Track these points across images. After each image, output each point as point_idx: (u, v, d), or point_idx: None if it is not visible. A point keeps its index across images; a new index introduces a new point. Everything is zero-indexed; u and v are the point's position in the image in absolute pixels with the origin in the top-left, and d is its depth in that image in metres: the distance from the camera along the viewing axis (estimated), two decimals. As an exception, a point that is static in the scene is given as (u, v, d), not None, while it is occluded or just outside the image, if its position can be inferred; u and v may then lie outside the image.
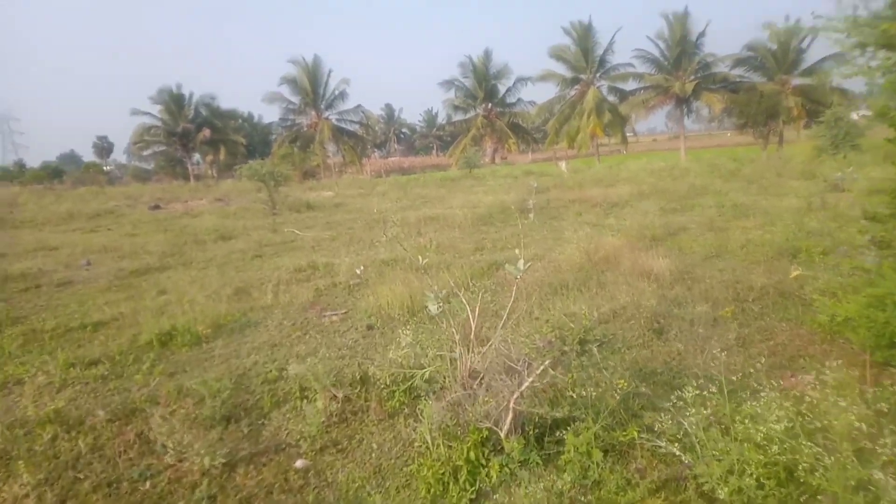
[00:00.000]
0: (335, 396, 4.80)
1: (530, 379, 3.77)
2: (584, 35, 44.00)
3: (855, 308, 4.32)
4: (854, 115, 25.70)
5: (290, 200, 23.73)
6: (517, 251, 4.74)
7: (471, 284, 8.34)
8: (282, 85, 49.44)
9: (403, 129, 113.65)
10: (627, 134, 48.16)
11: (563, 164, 41.64)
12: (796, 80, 42.29)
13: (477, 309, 4.63)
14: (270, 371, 5.59)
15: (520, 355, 3.96)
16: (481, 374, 4.56)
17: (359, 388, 4.88)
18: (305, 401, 4.81)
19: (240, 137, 58.42)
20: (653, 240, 10.50)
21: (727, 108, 43.28)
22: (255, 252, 12.90)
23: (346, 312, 7.64)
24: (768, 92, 40.13)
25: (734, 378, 4.46)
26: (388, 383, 4.67)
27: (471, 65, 51.14)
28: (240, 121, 67.73)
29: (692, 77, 43.48)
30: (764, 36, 42.60)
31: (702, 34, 42.63)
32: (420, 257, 4.86)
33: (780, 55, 41.85)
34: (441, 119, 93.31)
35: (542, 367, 3.78)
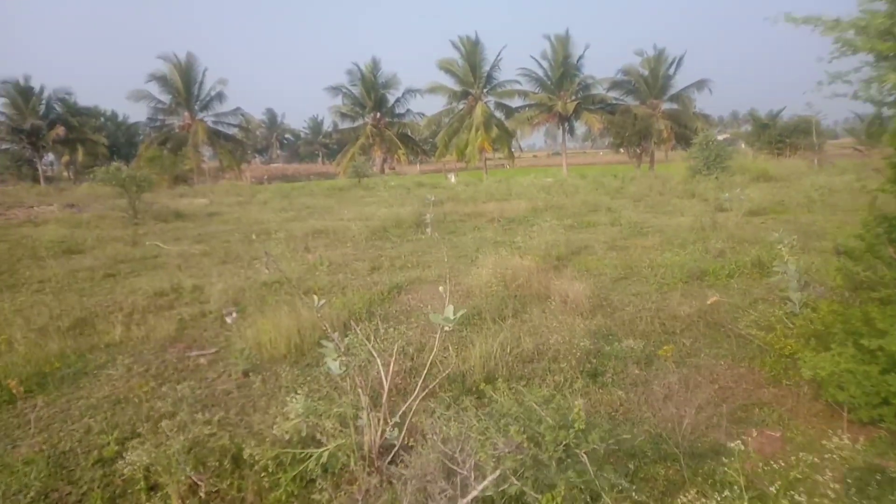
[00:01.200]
0: (196, 486, 3.53)
1: (479, 488, 2.78)
2: (472, 50, 44.38)
3: (845, 362, 3.80)
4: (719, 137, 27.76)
5: (157, 208, 21.11)
6: (441, 289, 3.75)
7: (371, 314, 7.24)
8: (150, 82, 45.14)
9: (287, 135, 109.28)
10: (513, 149, 49.16)
11: (452, 177, 41.55)
12: (665, 105, 45.51)
13: (392, 364, 3.60)
14: (107, 445, 4.16)
15: (462, 453, 2.93)
16: (395, 448, 3.53)
17: (230, 473, 3.62)
18: (154, 495, 3.50)
19: (100, 137, 52.42)
20: (558, 259, 10.02)
21: (605, 127, 45.56)
22: (106, 270, 10.86)
23: (217, 352, 6.25)
24: (641, 115, 42.72)
25: (691, 436, 3.80)
26: (270, 468, 3.46)
27: (359, 72, 49.82)
28: (101, 119, 61.11)
29: (573, 97, 45.35)
30: (636, 61, 45.46)
31: (581, 56, 44.63)
32: (315, 298, 3.71)
33: (651, 81, 44.83)
34: (327, 126, 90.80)
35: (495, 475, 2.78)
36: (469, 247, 12.05)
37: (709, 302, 6.97)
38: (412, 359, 5.23)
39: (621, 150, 47.37)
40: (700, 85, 45.21)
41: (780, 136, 34.44)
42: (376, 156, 51.68)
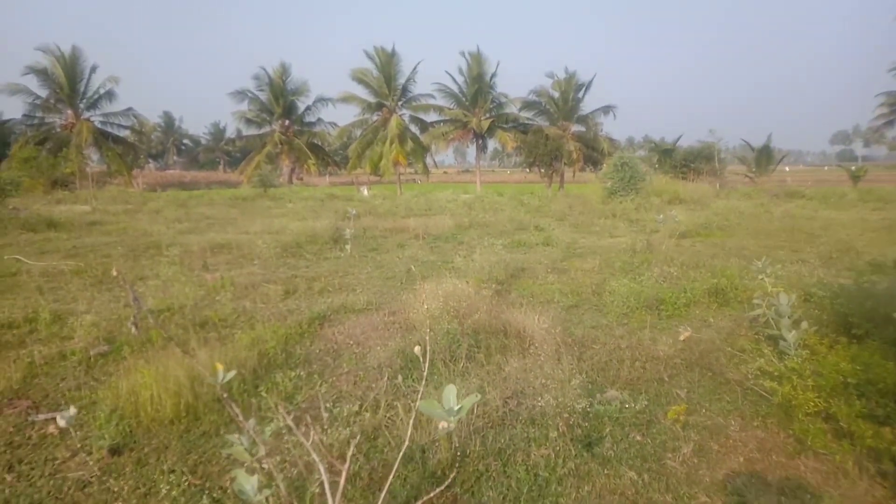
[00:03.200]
0: None
1: None
2: (387, 61, 43.30)
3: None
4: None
5: (25, 216, 18.18)
6: (417, 350, 2.53)
7: (289, 355, 5.82)
8: (27, 75, 40.23)
9: (185, 140, 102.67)
10: (429, 164, 48.41)
11: (365, 190, 40.06)
12: (575, 127, 46.66)
13: (345, 473, 2.32)
14: None
15: None
16: None
17: None
18: None
19: (-39, 134, 46.15)
20: (499, 283, 9.02)
21: (518, 146, 45.91)
22: (-60, 293, 8.61)
23: (75, 415, 4.60)
24: (553, 135, 43.40)
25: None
26: None
27: (267, 77, 47.26)
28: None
29: (487, 115, 45.47)
30: (548, 83, 46.35)
31: (494, 74, 44.88)
32: (220, 370, 2.37)
33: (562, 103, 45.86)
34: (230, 133, 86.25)
35: None
36: (397, 267, 10.81)
37: (681, 338, 6.17)
38: (365, 455, 3.88)
39: (533, 168, 47.95)
40: (606, 109, 46.98)
41: (685, 160, 35.96)
42: (284, 165, 49.14)
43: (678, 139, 44.82)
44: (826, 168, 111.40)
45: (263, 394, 4.76)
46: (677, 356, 5.57)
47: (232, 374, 2.38)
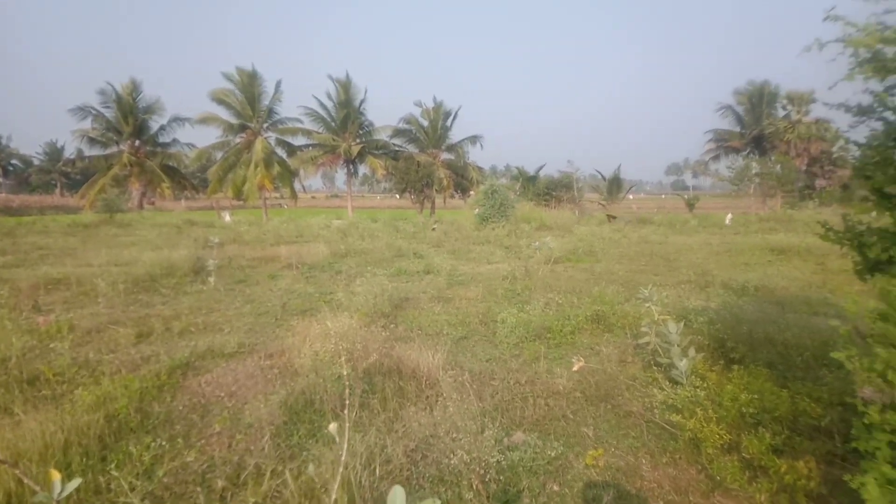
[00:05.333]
0: None
1: None
2: (249, 82, 41.43)
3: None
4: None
5: None
6: (332, 428, 2.04)
7: (144, 416, 4.91)
8: None
9: (13, 161, 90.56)
10: (297, 189, 46.74)
11: (226, 215, 37.66)
12: (444, 155, 47.71)
13: None
14: None
15: None
16: None
17: None
18: None
19: None
20: (385, 316, 8.57)
21: (389, 172, 45.94)
22: None
23: None
24: (424, 162, 44.01)
25: None
26: None
27: (114, 93, 43.14)
28: None
29: (357, 140, 45.08)
30: (417, 112, 47.11)
31: (363, 100, 44.76)
32: (57, 479, 1.71)
33: (431, 131, 46.77)
34: (69, 153, 77.48)
35: None
36: (269, 300, 9.93)
37: (574, 368, 6.11)
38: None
39: (404, 194, 48.19)
40: (474, 139, 48.61)
41: (547, 188, 38.07)
42: (134, 188, 44.88)
43: (540, 168, 47.60)
44: (664, 196, 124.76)
45: (113, 471, 3.87)
46: (576, 389, 5.48)
47: (76, 483, 1.72)
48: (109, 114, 43.48)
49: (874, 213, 3.52)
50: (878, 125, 3.35)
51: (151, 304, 9.74)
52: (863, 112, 3.35)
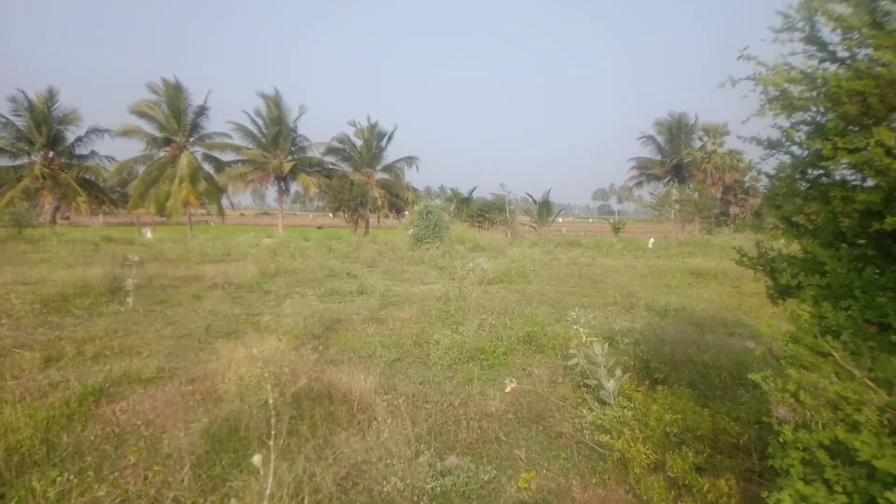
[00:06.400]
0: None
1: None
2: (174, 94, 40.02)
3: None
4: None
5: None
6: (255, 460, 1.93)
7: (51, 447, 4.51)
8: None
9: None
10: (225, 206, 45.24)
11: (148, 232, 35.96)
12: (379, 175, 47.61)
13: None
14: None
15: None
16: None
17: None
18: None
19: None
20: (315, 338, 8.35)
21: (321, 190, 45.34)
22: None
23: None
24: (358, 181, 43.75)
25: None
26: None
27: (25, 101, 40.48)
28: None
29: (289, 157, 44.32)
30: (351, 131, 46.95)
31: (297, 118, 44.24)
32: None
33: (365, 151, 46.64)
34: (-29, 162, 71.75)
35: None
36: (192, 322, 9.48)
37: (507, 390, 6.16)
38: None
39: (338, 213, 47.65)
40: (409, 161, 48.83)
41: (480, 210, 38.65)
42: (46, 202, 42.03)
43: (473, 190, 48.38)
44: (591, 220, 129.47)
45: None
46: (509, 411, 5.50)
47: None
48: (21, 122, 40.74)
49: (783, 241, 3.75)
50: (787, 158, 3.58)
51: (62, 325, 9.08)
52: (772, 146, 3.58)
